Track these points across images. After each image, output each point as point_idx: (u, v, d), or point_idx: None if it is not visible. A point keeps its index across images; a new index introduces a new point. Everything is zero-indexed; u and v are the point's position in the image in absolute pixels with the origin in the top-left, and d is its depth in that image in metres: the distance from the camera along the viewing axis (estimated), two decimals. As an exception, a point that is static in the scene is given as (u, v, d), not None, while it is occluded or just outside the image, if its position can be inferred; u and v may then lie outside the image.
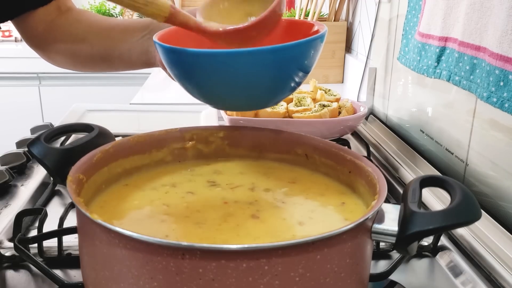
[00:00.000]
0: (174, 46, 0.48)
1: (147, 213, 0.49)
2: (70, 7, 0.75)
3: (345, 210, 0.50)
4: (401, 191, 0.75)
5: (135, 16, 2.51)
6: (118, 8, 2.63)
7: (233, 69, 0.47)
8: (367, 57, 1.26)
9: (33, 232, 0.61)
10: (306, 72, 0.51)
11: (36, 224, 0.59)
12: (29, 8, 0.71)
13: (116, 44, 0.70)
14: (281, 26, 0.56)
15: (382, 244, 0.60)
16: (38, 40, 0.75)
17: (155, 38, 0.51)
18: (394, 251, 0.59)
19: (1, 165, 0.78)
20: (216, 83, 0.49)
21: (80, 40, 0.72)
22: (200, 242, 0.37)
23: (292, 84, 0.51)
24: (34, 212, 0.61)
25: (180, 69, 0.50)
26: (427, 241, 0.61)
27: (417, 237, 0.39)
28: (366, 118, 1.08)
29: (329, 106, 0.91)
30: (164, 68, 0.66)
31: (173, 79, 0.64)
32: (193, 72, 0.48)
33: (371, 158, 0.87)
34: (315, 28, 0.55)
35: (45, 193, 0.73)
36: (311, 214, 0.49)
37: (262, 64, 0.47)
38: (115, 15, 2.59)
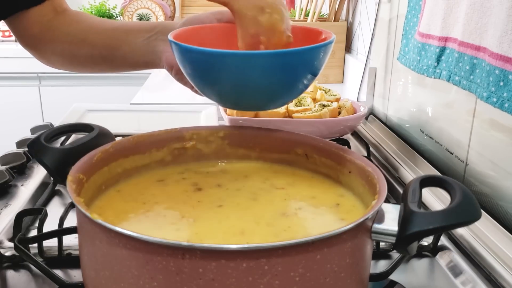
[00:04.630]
0: (200, 47, 0.50)
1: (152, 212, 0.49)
2: (66, 8, 0.75)
3: (340, 211, 0.50)
4: (401, 191, 0.75)
5: (135, 17, 2.51)
6: (118, 8, 2.63)
7: (252, 69, 0.49)
8: (367, 57, 1.26)
9: (33, 232, 0.61)
10: (315, 75, 0.54)
11: (36, 224, 0.59)
12: (22, 7, 0.71)
13: (119, 44, 0.70)
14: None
15: (382, 244, 0.60)
16: (33, 41, 0.74)
17: (171, 38, 0.52)
18: (394, 251, 0.59)
19: (1, 165, 0.78)
20: (233, 82, 0.51)
21: (80, 40, 0.72)
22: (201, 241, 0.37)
23: (301, 86, 0.54)
24: (34, 212, 0.61)
25: (198, 69, 0.52)
26: (427, 241, 0.61)
27: (417, 237, 0.39)
28: (366, 118, 1.08)
29: (329, 106, 0.91)
30: (170, 69, 0.66)
31: (178, 81, 0.65)
32: (212, 71, 0.50)
33: (371, 158, 0.87)
34: (323, 36, 0.58)
35: (45, 193, 0.73)
36: (307, 214, 0.49)
37: (280, 65, 0.50)
38: (115, 15, 2.59)
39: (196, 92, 0.65)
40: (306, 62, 0.51)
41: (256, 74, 0.50)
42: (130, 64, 0.72)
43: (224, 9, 0.62)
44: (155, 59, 0.68)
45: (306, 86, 0.54)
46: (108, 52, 0.71)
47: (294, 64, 0.50)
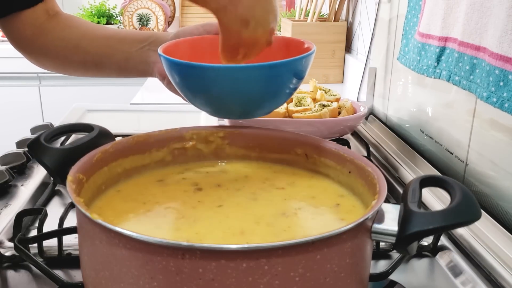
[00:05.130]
0: (186, 61, 0.52)
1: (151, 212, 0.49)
2: (58, 12, 0.75)
3: (340, 211, 0.50)
4: (401, 191, 0.75)
5: (134, 16, 2.51)
6: (118, 8, 2.63)
7: (237, 82, 0.51)
8: (367, 57, 1.26)
9: (33, 232, 0.61)
10: (300, 79, 0.55)
11: (36, 224, 0.59)
12: (15, 9, 0.71)
13: (113, 53, 0.71)
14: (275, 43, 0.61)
15: (382, 244, 0.60)
16: (26, 43, 0.74)
17: (160, 51, 0.54)
18: (394, 251, 0.59)
19: (1, 165, 0.78)
20: (219, 94, 0.53)
21: (73, 46, 0.72)
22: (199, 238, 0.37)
23: (285, 94, 0.56)
24: (34, 212, 0.61)
25: (185, 81, 0.53)
26: (427, 241, 0.61)
27: (417, 237, 0.39)
28: (366, 118, 1.08)
29: (329, 106, 0.91)
30: (162, 79, 0.67)
31: (170, 90, 0.67)
32: (198, 84, 0.52)
33: (371, 158, 0.87)
34: (306, 45, 0.59)
35: (45, 193, 0.73)
36: (307, 214, 0.49)
37: (264, 77, 0.52)
38: (115, 15, 2.59)
39: (187, 101, 0.66)
40: (291, 72, 0.53)
41: (242, 86, 0.52)
42: (122, 72, 0.73)
43: (213, 21, 0.63)
44: (148, 69, 0.70)
45: (291, 93, 0.56)
46: (101, 59, 0.72)
47: (278, 75, 0.52)
